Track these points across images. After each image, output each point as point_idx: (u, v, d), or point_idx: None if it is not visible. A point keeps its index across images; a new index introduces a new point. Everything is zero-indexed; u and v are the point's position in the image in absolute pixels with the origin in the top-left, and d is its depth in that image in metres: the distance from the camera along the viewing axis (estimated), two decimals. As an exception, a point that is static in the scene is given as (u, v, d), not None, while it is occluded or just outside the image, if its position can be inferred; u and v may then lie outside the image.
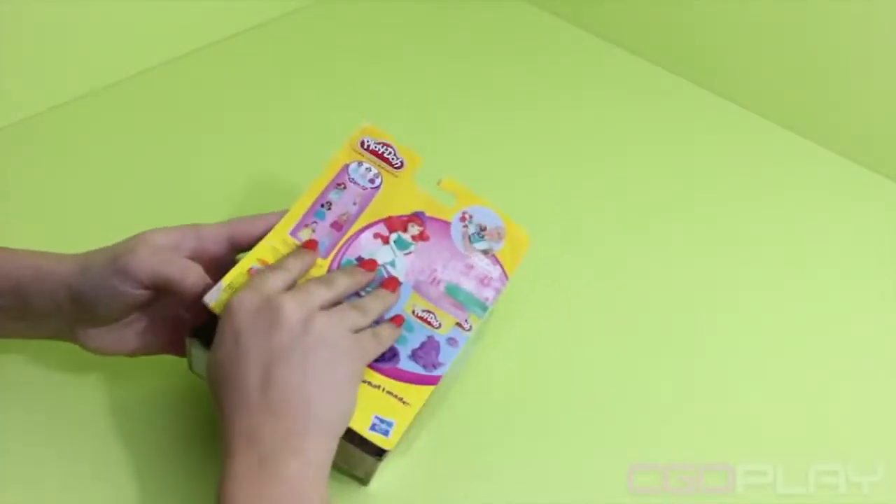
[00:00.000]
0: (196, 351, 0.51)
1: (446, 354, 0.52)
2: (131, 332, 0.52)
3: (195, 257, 0.51)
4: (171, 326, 0.53)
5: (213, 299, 0.49)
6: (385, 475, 0.53)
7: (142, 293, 0.49)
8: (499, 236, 0.57)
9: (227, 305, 0.47)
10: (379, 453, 0.49)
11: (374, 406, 0.49)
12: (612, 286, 0.69)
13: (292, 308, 0.47)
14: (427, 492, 0.53)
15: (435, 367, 0.51)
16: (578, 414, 0.59)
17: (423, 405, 0.51)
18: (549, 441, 0.57)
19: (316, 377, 0.46)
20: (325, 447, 0.45)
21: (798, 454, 0.57)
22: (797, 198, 0.81)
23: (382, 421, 0.49)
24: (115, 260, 0.49)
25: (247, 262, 0.51)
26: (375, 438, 0.48)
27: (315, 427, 0.45)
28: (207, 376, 0.47)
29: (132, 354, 0.53)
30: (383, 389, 0.50)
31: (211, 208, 0.59)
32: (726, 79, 0.91)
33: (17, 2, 0.69)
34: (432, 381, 0.51)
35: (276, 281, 0.49)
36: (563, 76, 0.93)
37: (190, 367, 0.53)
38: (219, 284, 0.49)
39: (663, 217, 0.76)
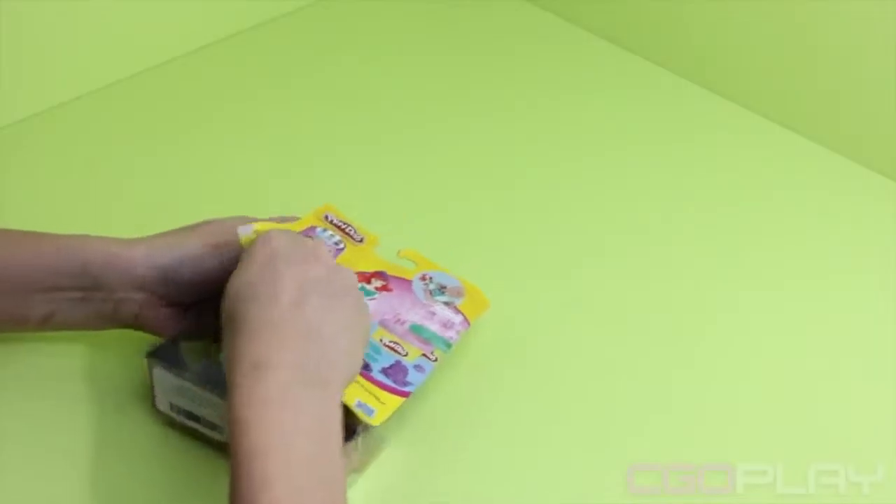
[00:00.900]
0: (158, 373, 0.51)
1: (414, 377, 0.53)
2: (192, 314, 0.54)
3: None
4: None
5: (245, 232, 0.51)
6: (368, 478, 0.52)
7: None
8: (459, 294, 0.59)
9: (264, 234, 0.48)
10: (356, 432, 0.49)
11: (357, 394, 0.50)
12: (612, 286, 0.69)
13: (326, 251, 0.49)
14: (425, 493, 0.53)
15: (405, 384, 0.52)
16: (578, 414, 0.59)
17: (396, 411, 0.51)
18: (548, 441, 0.57)
19: (344, 317, 0.47)
20: (343, 386, 0.46)
21: (798, 454, 0.57)
22: (797, 198, 0.81)
23: (365, 405, 0.49)
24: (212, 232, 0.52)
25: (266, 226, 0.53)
26: (361, 415, 0.49)
27: (341, 361, 0.45)
28: (228, 295, 0.46)
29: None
30: (361, 385, 0.51)
31: (211, 208, 0.59)
32: (726, 79, 0.91)
33: (17, 2, 0.69)
34: (404, 394, 0.52)
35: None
36: (563, 76, 0.93)
37: (153, 401, 0.52)
38: (251, 225, 0.51)
39: (663, 217, 0.76)
